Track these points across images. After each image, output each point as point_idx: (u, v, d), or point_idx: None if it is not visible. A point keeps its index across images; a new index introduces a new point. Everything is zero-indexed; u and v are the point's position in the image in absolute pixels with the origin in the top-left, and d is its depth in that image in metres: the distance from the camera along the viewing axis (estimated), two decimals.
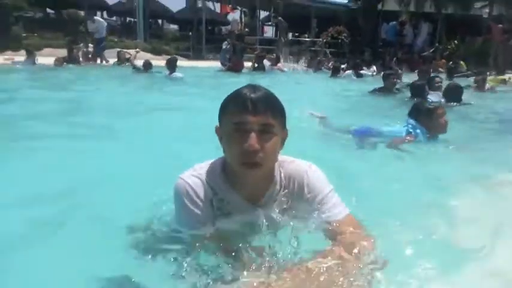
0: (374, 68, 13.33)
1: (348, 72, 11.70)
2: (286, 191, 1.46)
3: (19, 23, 15.19)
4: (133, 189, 2.14)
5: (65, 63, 11.39)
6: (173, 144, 3.24)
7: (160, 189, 1.73)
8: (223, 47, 13.18)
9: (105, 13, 24.80)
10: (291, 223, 1.44)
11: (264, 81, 10.15)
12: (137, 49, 13.04)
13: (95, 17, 13.31)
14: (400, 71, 11.32)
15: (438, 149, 3.39)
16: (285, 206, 1.46)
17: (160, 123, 4.48)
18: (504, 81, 9.96)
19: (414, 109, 3.63)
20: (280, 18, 18.33)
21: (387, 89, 7.17)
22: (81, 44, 13.64)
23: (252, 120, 1.30)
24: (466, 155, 3.31)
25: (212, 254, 1.33)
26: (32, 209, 2.00)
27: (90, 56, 13.22)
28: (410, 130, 3.48)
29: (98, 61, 12.94)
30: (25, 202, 2.08)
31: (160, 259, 1.39)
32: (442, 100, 3.61)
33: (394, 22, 19.96)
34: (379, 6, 22.46)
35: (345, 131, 3.85)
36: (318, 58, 16.20)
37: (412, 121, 3.53)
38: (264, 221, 1.43)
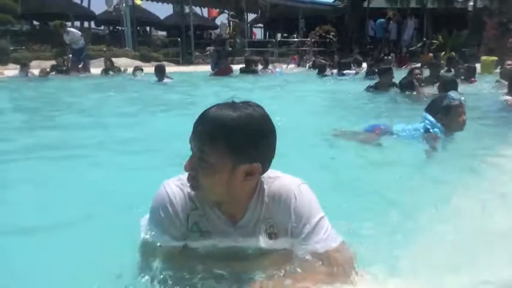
0: (364, 65, 13.31)
1: (334, 71, 11.81)
2: (270, 212, 1.30)
3: (6, 37, 15.12)
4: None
5: (52, 72, 11.48)
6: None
7: None
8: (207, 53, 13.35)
9: (92, 23, 24.77)
10: (274, 248, 1.31)
11: (246, 83, 10.17)
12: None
13: (68, 28, 13.33)
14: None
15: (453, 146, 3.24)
16: (268, 229, 1.31)
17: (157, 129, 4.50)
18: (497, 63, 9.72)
19: (433, 105, 3.39)
20: (236, 20, 18.43)
21: (384, 84, 6.94)
22: (70, 55, 13.61)
23: (194, 144, 1.22)
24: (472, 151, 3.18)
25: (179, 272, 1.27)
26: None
27: (80, 66, 13.23)
28: (428, 127, 3.28)
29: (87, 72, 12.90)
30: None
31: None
32: (462, 98, 3.47)
33: (383, 19, 20.11)
34: (365, 4, 22.64)
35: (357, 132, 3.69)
36: (305, 57, 16.60)
37: (429, 117, 3.30)
38: (243, 243, 1.31)
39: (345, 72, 11.51)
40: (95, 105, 6.48)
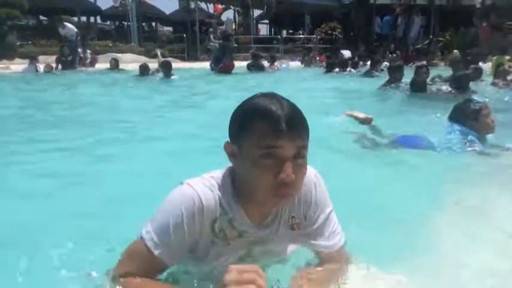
0: (368, 64, 13.33)
1: (337, 69, 11.86)
2: (292, 204, 1.26)
3: (13, 32, 15.19)
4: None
5: (58, 67, 11.65)
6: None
7: None
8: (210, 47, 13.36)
9: (98, 18, 24.83)
10: (294, 242, 1.30)
11: (253, 80, 10.16)
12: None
13: (65, 23, 13.54)
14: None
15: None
16: (290, 221, 1.28)
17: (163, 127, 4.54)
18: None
19: (458, 112, 3.17)
20: (212, 20, 18.48)
21: (394, 82, 6.89)
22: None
23: (288, 145, 1.06)
24: None
25: None
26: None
27: (88, 61, 13.37)
28: (462, 137, 3.05)
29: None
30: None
31: None
32: (486, 99, 3.37)
33: (389, 16, 19.99)
34: (372, 0, 22.50)
35: (389, 138, 3.46)
36: (311, 54, 16.52)
37: (457, 126, 3.10)
38: (270, 243, 1.26)
39: (353, 69, 11.73)
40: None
